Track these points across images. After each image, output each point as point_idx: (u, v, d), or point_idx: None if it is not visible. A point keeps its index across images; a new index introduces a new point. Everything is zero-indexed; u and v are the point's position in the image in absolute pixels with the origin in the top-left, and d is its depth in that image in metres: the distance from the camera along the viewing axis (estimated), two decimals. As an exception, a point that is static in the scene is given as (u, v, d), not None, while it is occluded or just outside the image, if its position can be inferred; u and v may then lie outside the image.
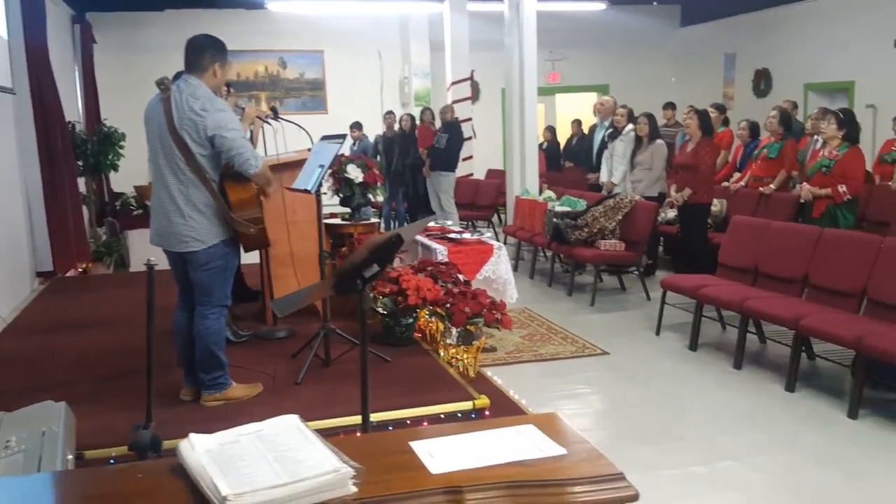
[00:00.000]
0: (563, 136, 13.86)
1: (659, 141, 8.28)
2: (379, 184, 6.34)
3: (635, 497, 1.37)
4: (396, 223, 11.99)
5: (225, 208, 4.04)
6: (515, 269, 9.41)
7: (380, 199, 6.47)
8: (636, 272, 7.97)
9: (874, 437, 4.36)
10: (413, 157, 11.52)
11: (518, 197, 9.58)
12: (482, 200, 11.91)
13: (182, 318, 4.25)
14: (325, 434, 3.83)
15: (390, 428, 4.03)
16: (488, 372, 5.22)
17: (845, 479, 3.90)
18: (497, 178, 12.35)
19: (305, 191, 4.48)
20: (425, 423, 4.09)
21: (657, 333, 6.47)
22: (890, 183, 7.57)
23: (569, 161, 12.53)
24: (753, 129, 8.84)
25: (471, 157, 12.46)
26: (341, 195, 6.25)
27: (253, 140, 5.89)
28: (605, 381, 5.46)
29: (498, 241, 9.93)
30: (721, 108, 9.81)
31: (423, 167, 11.17)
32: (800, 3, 12.39)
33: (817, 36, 12.08)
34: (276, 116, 5.64)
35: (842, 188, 6.04)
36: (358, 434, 2.67)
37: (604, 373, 5.62)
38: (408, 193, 11.90)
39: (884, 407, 4.74)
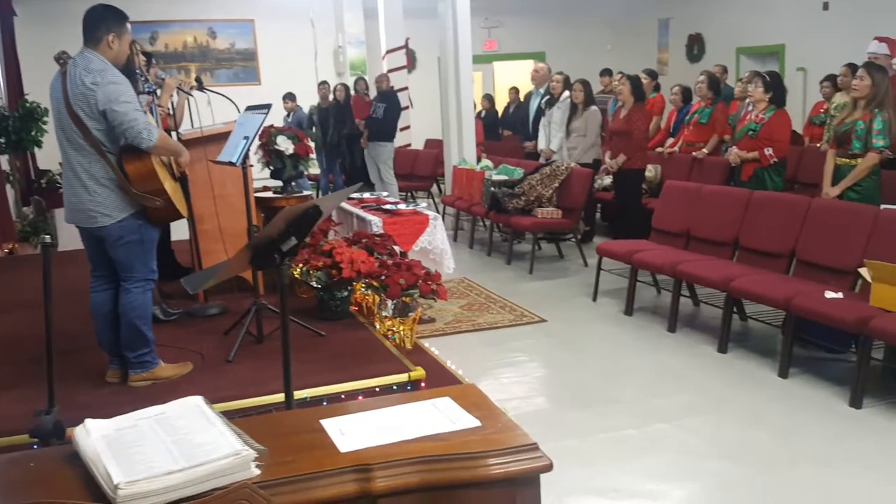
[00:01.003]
0: (502, 104, 13.85)
1: (593, 107, 8.30)
2: (311, 155, 6.21)
3: (549, 467, 1.35)
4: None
5: (125, 182, 3.91)
6: (455, 239, 9.40)
7: (313, 170, 6.36)
8: (573, 239, 8.00)
9: (802, 396, 4.45)
10: (349, 127, 11.37)
11: (456, 167, 9.53)
12: (421, 171, 11.83)
13: (100, 297, 4.12)
14: (255, 412, 3.76)
15: (324, 403, 3.97)
16: (426, 343, 5.18)
17: (773, 437, 3.97)
18: (436, 147, 12.27)
19: (230, 163, 4.35)
20: (360, 398, 4.04)
21: (594, 299, 6.52)
22: (818, 144, 7.70)
23: (507, 129, 12.53)
24: (686, 94, 8.92)
25: (408, 127, 12.36)
26: (272, 168, 6.11)
27: (178, 113, 5.73)
28: (543, 348, 5.48)
29: (437, 211, 9.91)
30: (653, 74, 9.87)
31: (359, 138, 11.04)
32: (731, -32, 12.51)
33: (748, 0, 12.21)
34: (200, 87, 5.49)
35: (768, 151, 6.11)
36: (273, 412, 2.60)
37: (541, 340, 5.64)
38: (344, 165, 11.76)
39: (813, 365, 4.85)
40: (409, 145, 12.40)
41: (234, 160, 4.33)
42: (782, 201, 5.42)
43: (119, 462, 1.20)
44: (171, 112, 5.57)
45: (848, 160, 5.41)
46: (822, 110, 7.88)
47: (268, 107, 4.55)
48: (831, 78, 7.74)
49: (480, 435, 1.37)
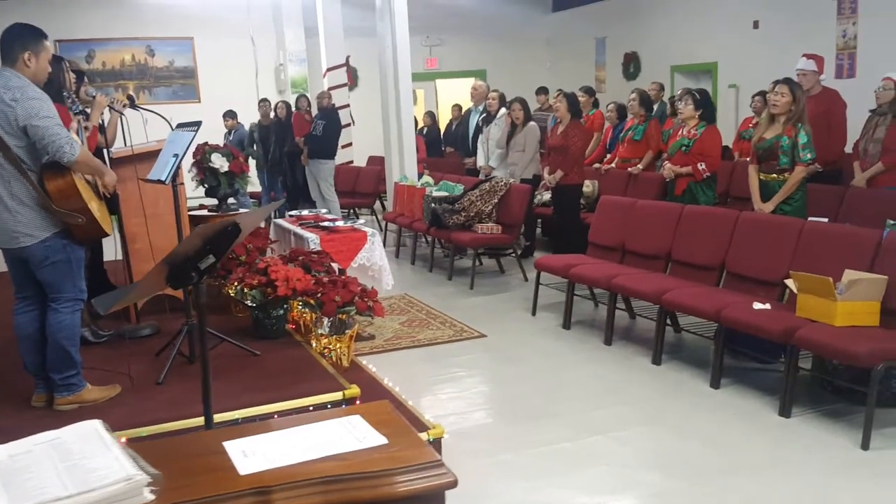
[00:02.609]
0: (445, 121, 13.89)
1: (531, 124, 8.39)
2: (246, 173, 6.15)
3: (453, 484, 1.35)
4: (277, 213, 11.76)
5: (46, 200, 3.82)
6: (397, 255, 9.39)
7: (250, 188, 6.29)
8: (513, 254, 8.05)
9: (734, 406, 4.53)
10: (290, 145, 11.30)
11: (397, 183, 9.53)
12: (363, 188, 11.80)
13: (25, 318, 4.01)
14: (179, 434, 3.67)
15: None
16: (364, 360, 5.15)
17: (705, 447, 4.03)
18: (378, 164, 12.23)
19: (160, 181, 4.29)
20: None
21: (533, 314, 6.56)
22: (747, 159, 7.88)
23: (450, 146, 12.57)
24: (621, 111, 9.06)
25: (350, 145, 12.33)
26: (206, 185, 6.03)
27: (111, 131, 5.62)
28: (482, 362, 5.50)
29: (380, 228, 9.90)
30: (590, 91, 10.02)
31: (300, 155, 10.97)
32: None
33: (682, 19, 12.47)
34: (133, 105, 5.40)
35: (701, 166, 6.24)
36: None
37: (481, 355, 5.65)
38: (286, 182, 11.68)
39: (744, 376, 4.94)
40: (352, 162, 12.36)
41: (163, 178, 4.27)
42: (712, 215, 5.54)
43: (8, 489, 1.17)
44: (101, 128, 5.48)
45: (775, 175, 5.51)
46: (751, 125, 8.07)
47: (198, 124, 4.49)
48: (762, 93, 7.92)
49: (385, 453, 1.36)
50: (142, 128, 5.21)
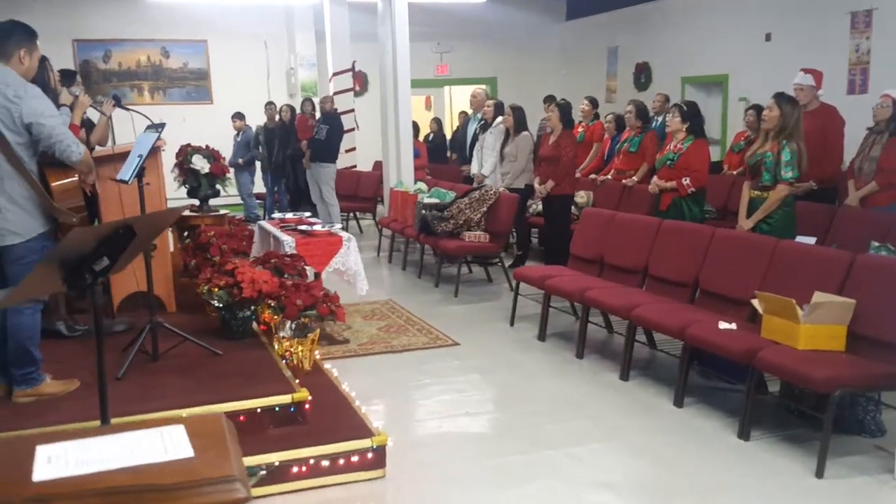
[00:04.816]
0: (454, 128, 13.89)
1: (525, 133, 8.34)
2: (227, 174, 6.16)
3: (245, 500, 1.32)
4: (266, 215, 11.82)
5: (47, 198, 3.90)
6: (390, 260, 9.38)
7: (230, 190, 6.29)
8: (499, 263, 7.99)
9: (694, 426, 4.44)
10: (293, 148, 11.35)
11: (392, 189, 9.52)
12: (364, 192, 11.81)
13: None
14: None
15: (202, 425, 3.92)
16: (332, 364, 5.12)
17: (655, 466, 3.96)
18: (381, 169, 12.26)
19: (123, 181, 4.30)
20: (242, 418, 4.00)
21: (511, 324, 6.51)
22: (734, 172, 7.79)
23: (455, 153, 12.55)
24: (619, 122, 8.98)
25: (354, 149, 12.34)
26: (188, 186, 6.05)
27: (100, 131, 5.65)
28: (449, 371, 5.44)
29: (380, 232, 9.89)
30: (594, 102, 9.95)
31: (302, 158, 11.01)
32: (677, -3, 12.70)
33: (694, 30, 12.37)
34: (119, 105, 5.44)
35: (686, 181, 6.14)
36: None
37: (450, 363, 5.61)
38: (289, 185, 11.73)
39: (710, 396, 4.85)
40: (355, 167, 12.37)
41: (125, 178, 4.28)
42: (688, 231, 5.46)
43: None
44: (90, 128, 5.53)
45: (759, 192, 5.43)
46: (742, 139, 7.97)
47: (162, 126, 4.51)
48: (756, 107, 7.83)
49: (183, 466, 1.33)
50: (131, 128, 5.24)
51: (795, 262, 4.56)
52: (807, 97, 6.50)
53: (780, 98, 5.44)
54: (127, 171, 4.40)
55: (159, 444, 1.41)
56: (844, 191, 6.64)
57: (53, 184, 3.87)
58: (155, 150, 5.29)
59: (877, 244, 4.81)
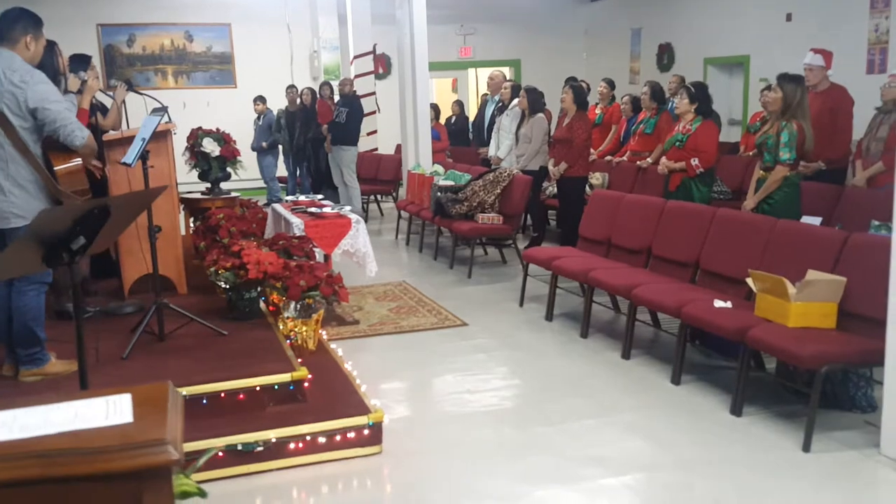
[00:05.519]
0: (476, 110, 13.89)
1: (539, 115, 8.36)
2: (238, 157, 6.28)
3: (177, 462, 1.41)
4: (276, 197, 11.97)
5: (51, 181, 4.01)
6: (407, 242, 9.48)
7: (242, 173, 6.40)
8: (513, 244, 8.05)
9: (689, 402, 4.50)
10: (314, 131, 11.46)
11: (410, 171, 9.60)
12: (384, 175, 11.91)
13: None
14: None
15: (204, 402, 4.05)
16: (338, 344, 5.24)
17: (647, 442, 4.02)
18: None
19: (126, 164, 4.43)
20: (241, 396, 4.13)
21: (521, 305, 6.58)
22: (751, 153, 7.75)
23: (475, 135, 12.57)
24: (635, 103, 8.97)
25: (375, 132, 12.43)
26: (199, 169, 6.18)
27: (113, 115, 5.80)
28: (454, 351, 5.53)
29: (400, 215, 9.98)
30: (611, 84, 9.93)
31: (324, 142, 11.11)
32: (701, -23, 12.56)
33: (716, 10, 12.25)
34: (131, 88, 5.57)
35: (694, 161, 6.15)
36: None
37: (457, 343, 5.70)
38: (310, 168, 11.86)
39: (708, 373, 4.90)
40: (376, 149, 12.46)
41: (128, 161, 4.40)
42: (691, 211, 5.48)
43: None
44: (103, 112, 5.68)
45: (764, 172, 5.45)
46: (758, 119, 7.92)
47: (164, 109, 4.62)
48: (770, 87, 7.75)
49: (118, 431, 1.43)
50: (145, 112, 5.38)
51: (792, 241, 4.58)
52: (816, 77, 6.46)
53: (783, 79, 5.43)
54: (130, 154, 4.52)
55: (102, 410, 1.51)
56: (852, 171, 6.60)
57: (57, 167, 4.00)
58: (165, 134, 5.43)
59: (877, 223, 4.80)
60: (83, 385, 2.32)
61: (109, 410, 1.50)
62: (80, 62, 5.79)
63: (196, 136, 6.06)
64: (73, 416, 1.47)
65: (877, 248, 3.92)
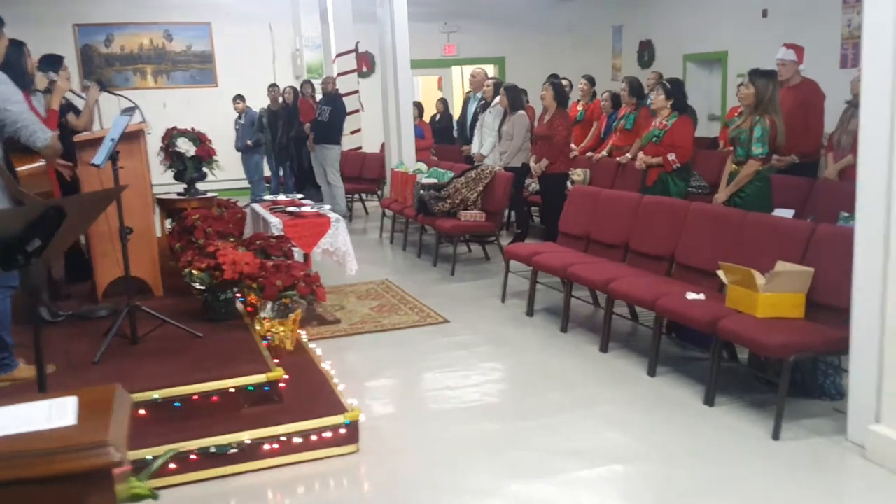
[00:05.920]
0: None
1: (521, 112, 8.38)
2: (213, 157, 6.26)
3: (119, 463, 1.42)
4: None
5: (13, 182, 3.97)
6: (391, 241, 9.49)
7: (219, 173, 6.39)
8: (495, 241, 8.07)
9: (664, 394, 4.56)
10: (296, 130, 11.45)
11: (393, 170, 9.61)
12: (369, 173, 11.90)
13: None
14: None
15: (176, 405, 4.04)
16: (317, 344, 5.23)
17: (622, 432, 4.08)
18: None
19: (95, 165, 4.39)
20: (215, 399, 4.12)
21: (503, 301, 6.60)
22: (729, 147, 7.78)
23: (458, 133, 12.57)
24: (615, 100, 8.99)
25: (359, 131, 12.43)
26: (174, 170, 6.17)
27: (86, 116, 5.77)
28: (435, 348, 5.56)
29: (384, 213, 9.97)
30: (591, 81, 9.95)
31: (306, 140, 11.11)
32: (680, -26, 12.61)
33: (695, 7, 12.33)
34: (103, 88, 5.55)
35: (671, 156, 6.18)
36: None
37: (438, 340, 5.72)
38: (293, 167, 11.85)
39: (684, 365, 4.96)
40: (360, 148, 12.46)
41: (97, 162, 4.35)
42: (665, 206, 5.52)
43: None
44: (74, 112, 5.65)
45: (736, 166, 5.48)
46: (735, 114, 7.95)
47: (133, 108, 4.59)
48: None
49: (61, 433, 1.44)
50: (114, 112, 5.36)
51: (762, 233, 4.63)
52: (788, 72, 6.52)
53: (755, 74, 5.46)
54: (100, 155, 4.48)
55: (46, 413, 1.52)
56: (824, 164, 6.66)
57: (19, 168, 3.95)
58: (138, 134, 5.41)
59: (846, 215, 4.83)
60: (41, 388, 2.31)
61: (53, 413, 1.51)
62: (51, 63, 5.74)
63: (171, 136, 6.04)
64: (18, 420, 1.48)
65: (843, 239, 3.97)
